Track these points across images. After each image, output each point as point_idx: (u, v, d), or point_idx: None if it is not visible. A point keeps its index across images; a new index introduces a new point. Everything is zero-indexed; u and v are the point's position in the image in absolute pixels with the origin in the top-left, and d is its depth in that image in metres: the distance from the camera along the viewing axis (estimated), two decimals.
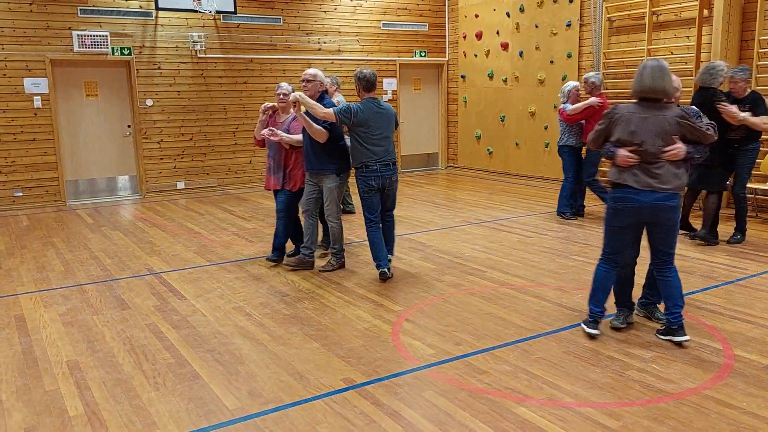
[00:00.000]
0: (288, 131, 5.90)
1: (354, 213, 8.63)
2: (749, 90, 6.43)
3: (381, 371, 3.83)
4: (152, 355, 4.15)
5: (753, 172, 6.71)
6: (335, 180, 5.75)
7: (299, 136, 5.77)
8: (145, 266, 6.31)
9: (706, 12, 8.51)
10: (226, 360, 4.05)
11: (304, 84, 5.62)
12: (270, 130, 5.78)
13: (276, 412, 3.37)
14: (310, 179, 5.84)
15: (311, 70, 5.67)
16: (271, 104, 6.08)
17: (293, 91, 5.68)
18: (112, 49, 9.97)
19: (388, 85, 12.64)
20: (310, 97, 5.53)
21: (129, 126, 10.50)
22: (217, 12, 10.58)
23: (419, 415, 3.30)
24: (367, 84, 5.60)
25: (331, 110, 5.45)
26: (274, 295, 5.30)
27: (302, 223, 6.10)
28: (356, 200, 8.69)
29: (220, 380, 3.76)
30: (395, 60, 12.66)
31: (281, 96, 5.91)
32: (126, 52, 10.11)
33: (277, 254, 6.18)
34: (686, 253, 6.30)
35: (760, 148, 6.67)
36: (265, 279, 5.76)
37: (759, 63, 8.00)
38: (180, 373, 3.86)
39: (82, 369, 3.95)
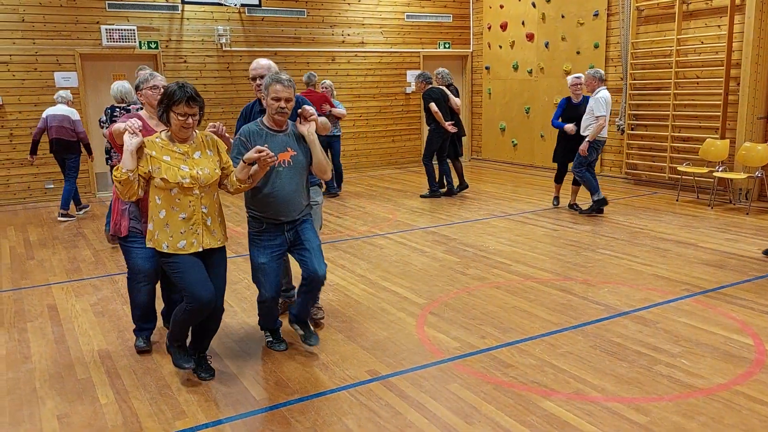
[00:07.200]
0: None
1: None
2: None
3: (406, 363, 3.84)
4: None
5: None
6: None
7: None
8: None
9: (738, 0, 8.33)
10: (253, 351, 4.09)
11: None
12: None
13: (302, 402, 3.41)
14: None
15: (264, 61, 4.25)
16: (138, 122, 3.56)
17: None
18: (140, 42, 10.08)
19: (412, 76, 12.59)
20: None
21: None
22: (242, 5, 10.64)
23: (444, 408, 3.30)
24: None
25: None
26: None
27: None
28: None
29: (248, 371, 3.80)
30: (419, 52, 12.60)
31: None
32: (153, 45, 10.21)
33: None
34: (717, 247, 6.20)
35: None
36: None
37: None
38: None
39: (113, 358, 4.02)
